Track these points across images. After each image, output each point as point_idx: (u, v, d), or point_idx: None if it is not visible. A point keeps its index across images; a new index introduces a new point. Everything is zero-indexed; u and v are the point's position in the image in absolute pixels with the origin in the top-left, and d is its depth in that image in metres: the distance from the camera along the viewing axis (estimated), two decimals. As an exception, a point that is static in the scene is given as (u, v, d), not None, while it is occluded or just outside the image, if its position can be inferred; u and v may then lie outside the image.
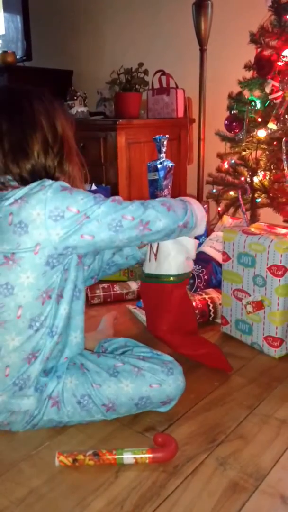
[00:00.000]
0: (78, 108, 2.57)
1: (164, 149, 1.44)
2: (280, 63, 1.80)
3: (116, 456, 0.92)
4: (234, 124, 1.95)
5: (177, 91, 2.54)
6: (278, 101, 1.79)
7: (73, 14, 3.11)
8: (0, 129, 0.97)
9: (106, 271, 1.30)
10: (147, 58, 2.56)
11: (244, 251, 1.33)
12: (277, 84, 1.80)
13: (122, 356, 1.08)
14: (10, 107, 1.00)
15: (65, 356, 1.05)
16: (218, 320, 1.51)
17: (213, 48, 2.31)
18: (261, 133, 1.89)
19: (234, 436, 1.01)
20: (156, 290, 1.17)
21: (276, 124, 1.80)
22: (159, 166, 1.56)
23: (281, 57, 1.80)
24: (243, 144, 1.95)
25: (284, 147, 1.76)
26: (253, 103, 1.90)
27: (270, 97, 1.83)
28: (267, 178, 1.92)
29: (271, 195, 1.90)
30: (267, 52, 1.83)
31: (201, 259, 1.72)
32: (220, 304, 1.49)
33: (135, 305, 1.64)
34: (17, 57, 2.96)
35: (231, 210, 2.09)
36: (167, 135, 1.43)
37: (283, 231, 1.41)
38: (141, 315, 1.54)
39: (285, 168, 1.77)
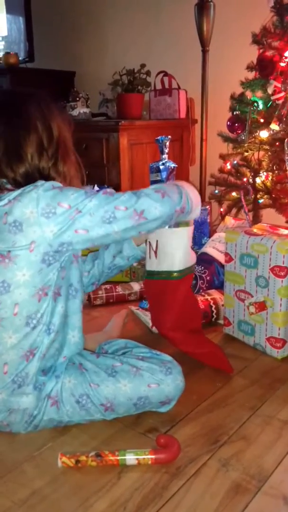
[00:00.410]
0: (81, 109, 2.57)
1: (166, 150, 1.43)
2: (282, 64, 1.80)
3: (118, 457, 0.92)
4: (236, 125, 1.95)
5: (179, 92, 2.54)
6: (280, 102, 1.80)
7: (75, 15, 3.12)
8: None
9: (108, 274, 1.30)
10: (149, 59, 2.56)
11: (246, 252, 1.33)
12: (279, 85, 1.80)
13: (121, 357, 1.08)
14: (6, 110, 1.01)
15: (64, 356, 1.05)
16: (221, 321, 1.50)
17: (215, 49, 2.31)
18: (264, 134, 1.89)
19: (236, 437, 1.01)
20: (159, 286, 1.17)
21: (279, 125, 1.81)
22: (161, 167, 1.55)
23: (284, 57, 1.80)
24: (246, 145, 1.95)
25: (286, 148, 1.76)
26: (255, 104, 1.90)
27: (272, 98, 1.83)
28: (270, 179, 1.92)
29: (273, 196, 1.90)
30: (269, 53, 1.84)
31: (204, 260, 1.72)
32: (222, 305, 1.49)
33: (137, 306, 1.64)
34: (20, 58, 2.96)
35: (234, 211, 2.09)
36: (169, 136, 1.42)
37: (286, 232, 1.40)
38: (144, 316, 1.54)
39: (288, 169, 1.78)
